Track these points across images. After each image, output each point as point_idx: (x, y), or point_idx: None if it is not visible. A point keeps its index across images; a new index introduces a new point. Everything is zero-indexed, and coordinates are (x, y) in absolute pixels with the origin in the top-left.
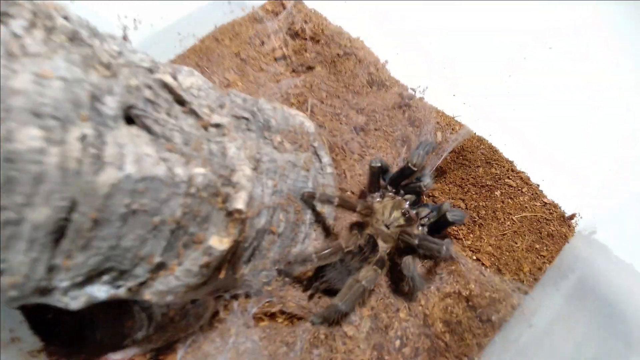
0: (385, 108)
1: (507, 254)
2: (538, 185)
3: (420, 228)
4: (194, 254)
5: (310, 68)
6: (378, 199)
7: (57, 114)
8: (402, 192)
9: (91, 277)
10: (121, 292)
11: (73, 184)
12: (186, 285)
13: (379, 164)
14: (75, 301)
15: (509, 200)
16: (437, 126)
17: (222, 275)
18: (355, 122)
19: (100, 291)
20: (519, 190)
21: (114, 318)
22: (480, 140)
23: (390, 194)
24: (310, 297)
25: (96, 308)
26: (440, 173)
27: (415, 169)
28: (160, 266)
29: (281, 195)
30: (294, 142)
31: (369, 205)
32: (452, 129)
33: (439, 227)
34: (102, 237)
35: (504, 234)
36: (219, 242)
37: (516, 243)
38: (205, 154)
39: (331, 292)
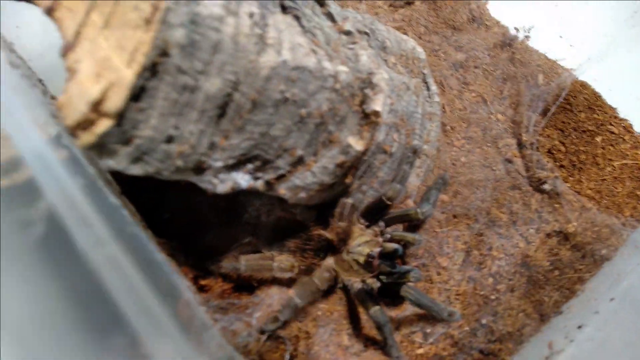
0: (486, 47)
1: (607, 198)
2: None
3: (374, 279)
4: (331, 152)
5: (409, 3)
6: (363, 226)
7: None
8: (382, 226)
9: (239, 163)
10: (259, 184)
11: (241, 59)
12: (320, 182)
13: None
14: (222, 185)
15: (610, 147)
16: (538, 69)
17: (348, 180)
18: (454, 59)
19: (243, 179)
20: (620, 137)
21: (225, 224)
22: (584, 85)
23: (373, 229)
24: None
25: (210, 212)
26: (541, 116)
27: (390, 203)
28: (300, 160)
29: (396, 115)
30: (406, 67)
31: (348, 230)
32: (555, 73)
33: (389, 292)
34: (256, 121)
35: (603, 179)
36: (356, 143)
37: (616, 188)
38: (343, 57)
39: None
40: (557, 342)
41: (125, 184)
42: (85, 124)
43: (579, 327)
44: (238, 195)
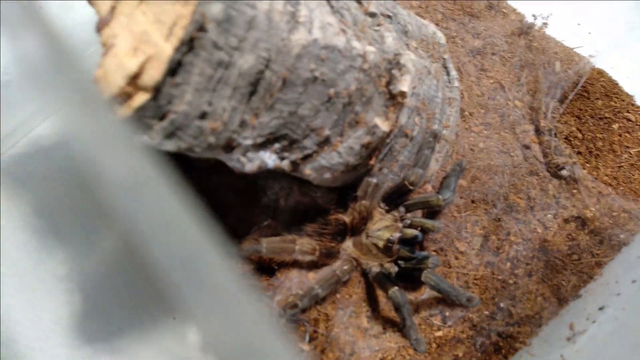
0: (504, 34)
1: (624, 185)
2: None
3: (392, 263)
4: (357, 133)
5: None
6: (383, 210)
7: None
8: (402, 211)
9: (268, 142)
10: (285, 164)
11: (274, 36)
12: (345, 163)
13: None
14: (250, 164)
15: (627, 134)
16: (556, 57)
17: (372, 161)
18: (471, 46)
19: (270, 159)
20: (637, 125)
21: (245, 206)
22: (601, 72)
23: (392, 214)
24: None
25: (229, 195)
26: (559, 103)
27: (412, 188)
28: (327, 140)
29: (418, 98)
30: (426, 51)
31: (371, 209)
32: (572, 61)
33: (407, 277)
34: (286, 100)
35: (620, 166)
36: (382, 123)
37: (633, 175)
38: (370, 38)
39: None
40: (579, 323)
41: None
42: (122, 98)
43: (600, 308)
44: (257, 179)
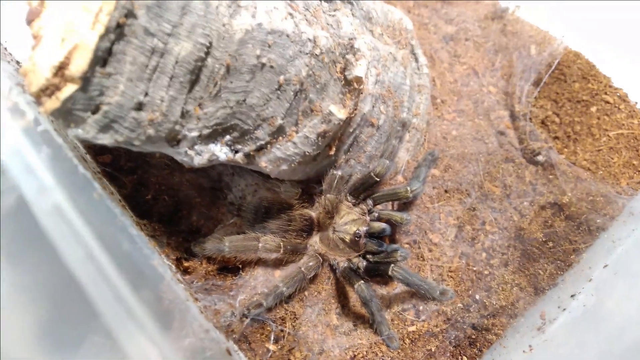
0: (477, 19)
1: (603, 169)
2: (636, 102)
3: (360, 258)
4: (312, 122)
5: None
6: (350, 204)
7: None
8: (370, 204)
9: (216, 133)
10: (239, 157)
11: (213, 21)
12: (302, 154)
13: (379, 174)
14: (199, 157)
15: (605, 117)
16: (530, 40)
17: (331, 151)
18: (444, 32)
19: (221, 152)
20: (615, 107)
21: (210, 204)
22: (577, 55)
23: (360, 207)
24: None
25: (194, 193)
26: (534, 86)
27: (379, 179)
28: (280, 130)
29: (382, 86)
30: (393, 38)
31: (336, 203)
32: (548, 44)
33: (374, 272)
34: (232, 89)
35: (599, 150)
36: (338, 111)
37: (612, 159)
38: (323, 23)
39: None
40: (550, 312)
41: (103, 165)
42: (49, 90)
43: (572, 295)
44: (222, 176)
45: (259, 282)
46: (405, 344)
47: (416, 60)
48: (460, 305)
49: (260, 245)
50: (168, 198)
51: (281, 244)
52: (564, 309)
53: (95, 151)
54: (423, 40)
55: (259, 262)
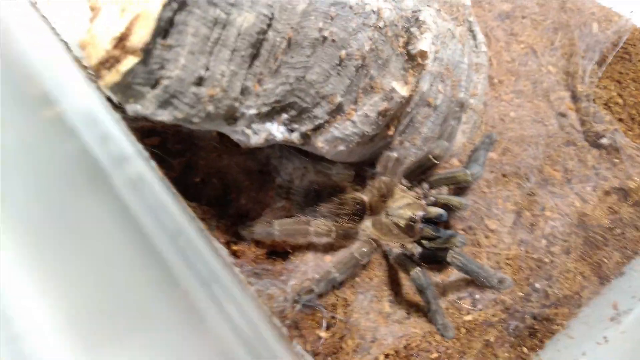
0: None
1: None
2: None
3: (414, 244)
4: (373, 99)
5: None
6: (404, 187)
7: None
8: (426, 188)
9: (274, 111)
10: (295, 137)
11: None
12: (361, 134)
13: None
14: (256, 136)
15: None
16: (592, 17)
17: (390, 131)
18: (499, 10)
19: (277, 131)
20: None
21: (258, 187)
22: None
23: (415, 190)
24: None
25: (242, 176)
26: (598, 66)
27: (437, 162)
28: (339, 108)
29: (441, 63)
30: (450, 14)
31: (391, 186)
32: (610, 21)
33: (431, 258)
34: (292, 64)
35: None
36: (400, 88)
37: None
38: None
39: None
40: (623, 302)
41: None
42: (109, 62)
43: None
44: (270, 159)
45: (310, 267)
46: (461, 333)
47: (474, 37)
48: (520, 294)
49: (311, 229)
50: (217, 181)
51: (333, 228)
52: None
53: (142, 133)
54: (478, 18)
55: (310, 247)
